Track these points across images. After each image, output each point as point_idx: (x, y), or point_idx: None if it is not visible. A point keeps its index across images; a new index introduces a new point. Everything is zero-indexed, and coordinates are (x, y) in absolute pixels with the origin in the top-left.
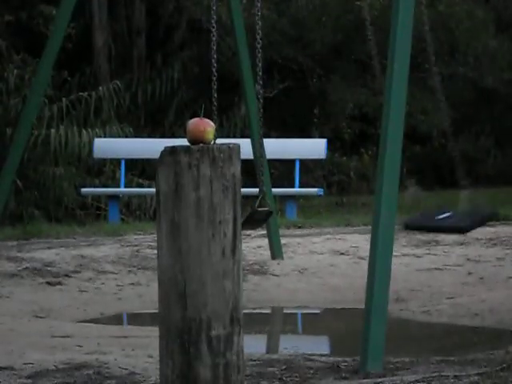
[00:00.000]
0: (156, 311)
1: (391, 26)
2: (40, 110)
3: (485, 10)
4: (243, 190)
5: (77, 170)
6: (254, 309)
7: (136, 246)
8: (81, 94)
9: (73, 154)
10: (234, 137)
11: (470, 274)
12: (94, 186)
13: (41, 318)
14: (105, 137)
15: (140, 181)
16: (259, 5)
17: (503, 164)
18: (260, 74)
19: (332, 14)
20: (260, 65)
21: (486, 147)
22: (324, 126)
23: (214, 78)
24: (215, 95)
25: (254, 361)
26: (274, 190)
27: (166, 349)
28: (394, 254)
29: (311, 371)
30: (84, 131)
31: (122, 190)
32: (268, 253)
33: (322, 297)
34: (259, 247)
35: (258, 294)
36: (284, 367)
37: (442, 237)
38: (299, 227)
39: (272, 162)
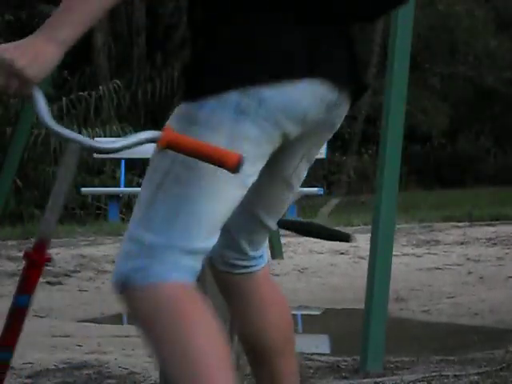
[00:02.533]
0: None
1: (391, 26)
2: None
3: (485, 9)
4: None
5: (77, 169)
6: None
7: None
8: (81, 93)
9: None
10: None
11: (470, 273)
12: (94, 186)
13: (41, 317)
14: (105, 136)
15: (140, 180)
16: None
17: (503, 163)
18: None
19: None
20: None
21: (485, 146)
22: None
23: None
24: None
25: None
26: None
27: None
28: (394, 253)
29: (311, 371)
30: (84, 130)
31: (122, 189)
32: (268, 253)
33: (321, 296)
34: None
35: None
36: None
37: (441, 236)
38: None
39: None
